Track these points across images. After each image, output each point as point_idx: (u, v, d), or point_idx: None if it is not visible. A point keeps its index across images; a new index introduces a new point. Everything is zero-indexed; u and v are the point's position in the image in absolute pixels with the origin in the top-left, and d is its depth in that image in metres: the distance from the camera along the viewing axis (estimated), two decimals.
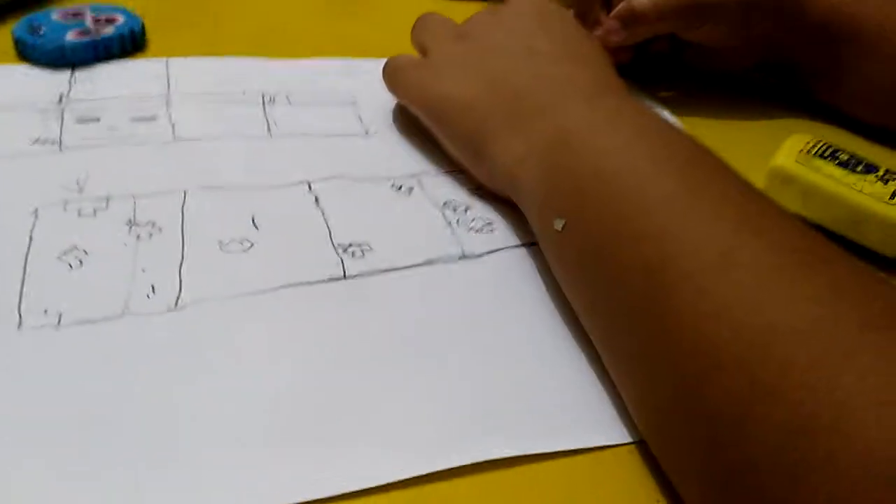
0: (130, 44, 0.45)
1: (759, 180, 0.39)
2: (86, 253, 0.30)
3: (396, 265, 0.31)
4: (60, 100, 0.40)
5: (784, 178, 0.37)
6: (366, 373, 0.26)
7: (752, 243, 0.22)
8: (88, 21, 0.45)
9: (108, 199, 0.33)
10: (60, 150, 0.36)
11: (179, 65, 0.44)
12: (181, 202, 0.33)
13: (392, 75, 0.39)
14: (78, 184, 0.34)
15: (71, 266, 0.30)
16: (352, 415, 0.25)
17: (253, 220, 0.33)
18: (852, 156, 0.36)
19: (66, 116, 0.39)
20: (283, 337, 0.27)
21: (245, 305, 0.28)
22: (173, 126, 0.39)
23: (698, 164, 0.27)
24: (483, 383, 0.26)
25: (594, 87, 0.33)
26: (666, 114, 0.43)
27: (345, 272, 0.30)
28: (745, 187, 0.26)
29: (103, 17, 0.46)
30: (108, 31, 0.44)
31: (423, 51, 0.39)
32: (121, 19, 0.46)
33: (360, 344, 0.27)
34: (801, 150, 0.37)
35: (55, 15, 0.46)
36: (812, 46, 0.43)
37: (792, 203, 0.37)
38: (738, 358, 0.20)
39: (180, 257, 0.30)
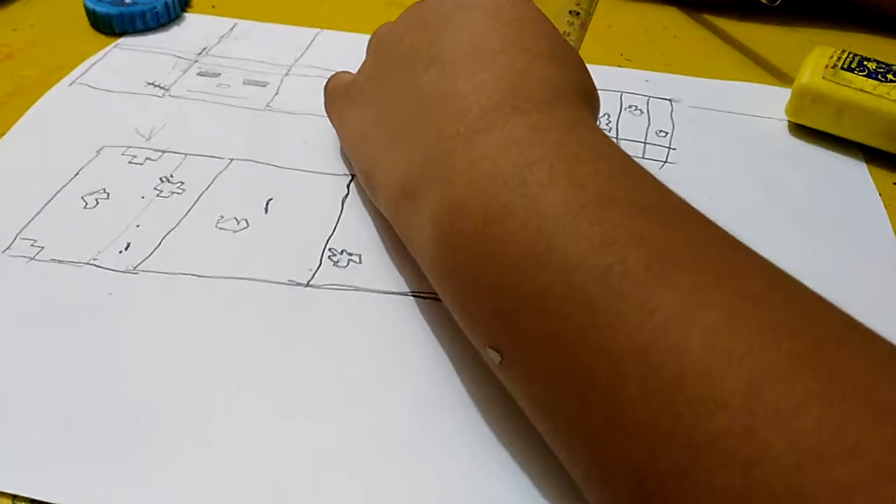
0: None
1: (781, 98, 0.37)
2: (107, 197, 0.31)
3: (372, 287, 0.28)
4: (202, 52, 0.42)
5: (814, 98, 0.35)
6: (292, 388, 0.24)
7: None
8: None
9: (164, 152, 0.34)
10: (162, 96, 0.38)
11: (324, 37, 0.44)
12: (221, 170, 0.33)
13: (325, 99, 0.34)
14: (151, 132, 0.35)
15: (86, 206, 0.31)
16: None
17: (267, 204, 0.31)
18: (880, 63, 0.36)
19: (193, 68, 0.41)
20: (214, 330, 0.26)
21: (196, 286, 0.27)
22: (274, 96, 0.39)
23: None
24: None
25: (502, 103, 0.23)
26: None
27: (310, 281, 0.28)
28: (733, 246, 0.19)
29: None
30: None
31: None
32: None
33: (297, 358, 0.25)
34: (827, 66, 0.36)
35: None
36: None
37: (824, 122, 0.36)
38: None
39: (175, 224, 0.30)
